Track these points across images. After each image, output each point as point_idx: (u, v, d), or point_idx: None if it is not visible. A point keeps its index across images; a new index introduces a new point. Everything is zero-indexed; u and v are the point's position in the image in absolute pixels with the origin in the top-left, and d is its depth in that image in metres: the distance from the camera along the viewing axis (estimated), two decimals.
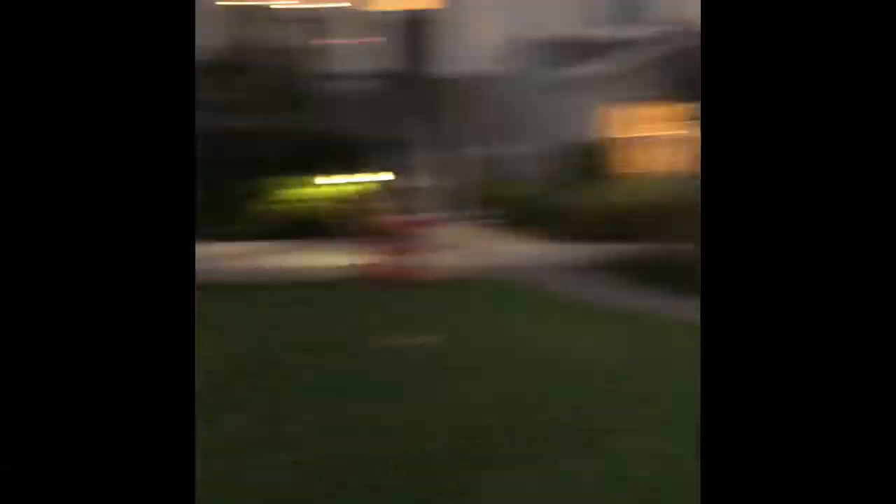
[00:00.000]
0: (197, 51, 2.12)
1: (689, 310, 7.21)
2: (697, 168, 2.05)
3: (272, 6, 12.77)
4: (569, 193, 13.91)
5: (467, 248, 9.55)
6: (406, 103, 16.06)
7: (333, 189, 12.30)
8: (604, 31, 15.40)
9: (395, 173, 13.55)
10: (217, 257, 9.99)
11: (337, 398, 4.66)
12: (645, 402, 4.65)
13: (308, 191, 12.22)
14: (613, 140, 14.10)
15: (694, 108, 10.64)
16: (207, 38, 11.94)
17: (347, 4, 14.83)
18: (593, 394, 4.87)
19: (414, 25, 16.34)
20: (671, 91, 9.68)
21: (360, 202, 6.08)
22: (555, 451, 3.91)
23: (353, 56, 14.51)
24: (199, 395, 1.96)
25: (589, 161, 13.62)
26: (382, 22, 14.89)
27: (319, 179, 12.39)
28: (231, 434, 4.02)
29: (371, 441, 3.98)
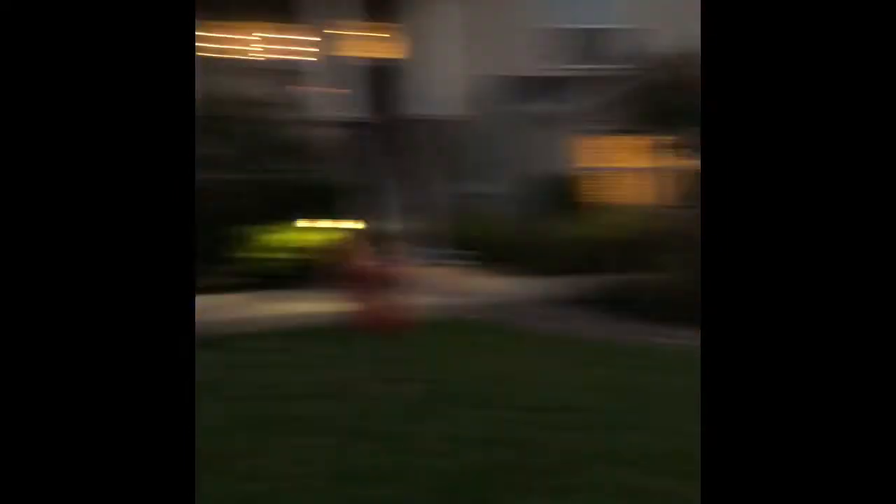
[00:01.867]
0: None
1: (667, 337, 7.43)
2: (687, 198, 2.10)
3: (241, 58, 12.94)
4: (542, 227, 14.10)
5: (446, 288, 9.64)
6: (378, 148, 16.27)
7: (310, 236, 12.37)
8: (568, 68, 15.78)
9: (371, 218, 13.67)
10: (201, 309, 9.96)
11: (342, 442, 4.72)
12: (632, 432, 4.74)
13: (286, 238, 12.27)
14: (585, 173, 14.36)
15: (661, 139, 10.91)
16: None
17: (315, 55, 15.09)
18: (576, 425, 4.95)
19: (381, 73, 16.64)
20: (638, 124, 9.95)
21: (337, 249, 6.16)
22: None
23: (324, 105, 14.71)
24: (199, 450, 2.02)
25: (561, 194, 13.85)
26: (351, 71, 15.15)
27: (297, 226, 12.45)
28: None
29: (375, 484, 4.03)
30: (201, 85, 12.54)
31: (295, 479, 4.20)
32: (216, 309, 10.24)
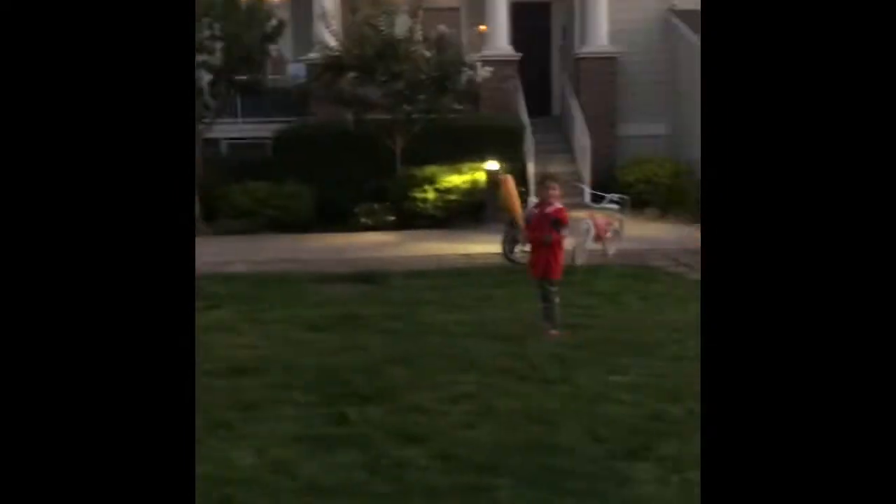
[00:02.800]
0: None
1: None
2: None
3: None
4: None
5: (607, 232, 9.35)
6: (536, 89, 15.89)
7: (476, 176, 12.33)
8: None
9: (533, 160, 13.44)
10: (375, 246, 10.35)
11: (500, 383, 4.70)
12: None
13: (452, 179, 12.31)
14: None
15: None
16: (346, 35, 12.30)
17: None
18: None
19: (541, 8, 16.13)
20: None
21: (503, 190, 6.06)
22: None
23: (478, 43, 14.49)
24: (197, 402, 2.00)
25: None
26: (516, 7, 14.73)
27: (462, 167, 12.45)
28: None
29: None
30: (352, 24, 12.69)
31: (451, 416, 4.20)
32: (381, 246, 10.58)
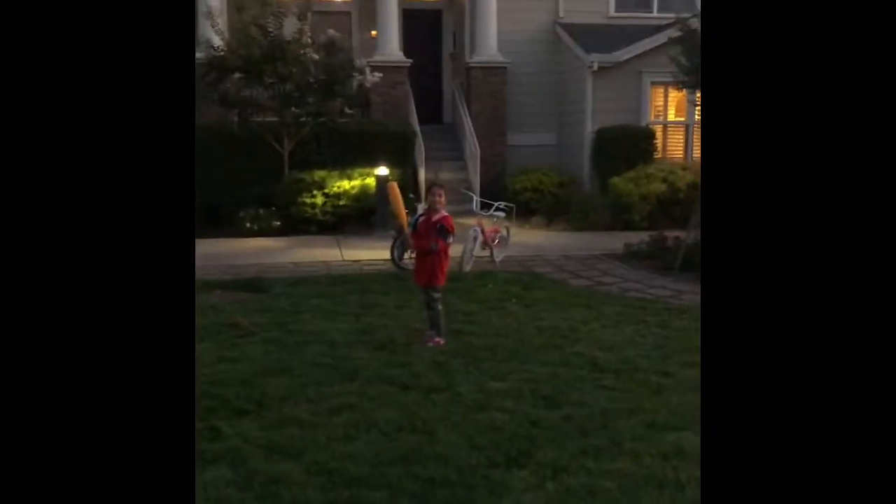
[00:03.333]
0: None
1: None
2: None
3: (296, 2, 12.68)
4: (590, 181, 13.73)
5: (490, 239, 9.47)
6: (427, 95, 15.96)
7: (364, 182, 12.20)
8: (630, 16, 15.19)
9: (421, 166, 13.46)
10: (261, 252, 10.04)
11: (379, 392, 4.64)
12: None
13: (340, 184, 12.14)
14: (641, 125, 13.83)
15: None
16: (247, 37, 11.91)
17: None
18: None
19: (431, 17, 16.23)
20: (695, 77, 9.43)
21: (390, 196, 6.00)
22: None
23: (369, 48, 14.42)
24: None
25: (615, 147, 13.39)
26: (396, 14, 14.72)
27: (350, 173, 12.30)
28: None
29: None
30: (242, 26, 12.33)
31: (329, 428, 4.10)
32: (267, 253, 10.29)
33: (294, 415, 4.30)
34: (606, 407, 4.44)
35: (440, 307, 5.88)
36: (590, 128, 13.89)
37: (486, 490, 3.41)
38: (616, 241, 10.55)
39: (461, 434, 4.03)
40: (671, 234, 9.93)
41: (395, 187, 6.17)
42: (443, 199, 5.90)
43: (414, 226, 6.08)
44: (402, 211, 6.13)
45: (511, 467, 3.65)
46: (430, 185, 6.14)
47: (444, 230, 5.78)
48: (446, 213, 5.89)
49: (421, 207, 7.05)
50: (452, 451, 3.80)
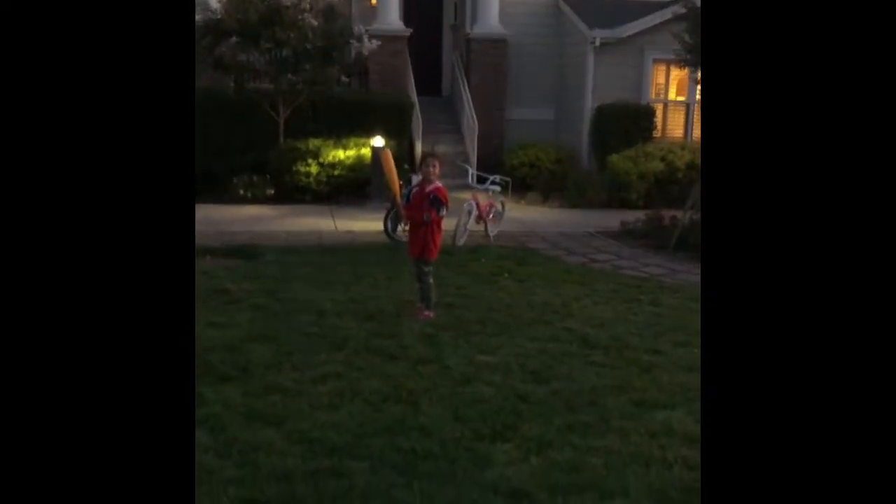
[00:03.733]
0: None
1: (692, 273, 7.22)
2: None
3: None
4: (588, 157, 13.61)
5: (486, 213, 9.38)
6: (425, 66, 15.75)
7: (359, 152, 12.06)
8: None
9: (417, 138, 13.32)
10: (253, 220, 9.93)
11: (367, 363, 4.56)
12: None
13: (335, 154, 11.99)
14: (641, 103, 13.69)
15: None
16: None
17: None
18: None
19: None
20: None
21: (385, 167, 5.88)
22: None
23: (378, 16, 14.19)
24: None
25: (614, 124, 13.26)
26: None
27: (345, 143, 12.14)
28: None
29: None
30: None
31: (313, 397, 4.04)
32: (259, 220, 10.19)
33: (278, 382, 4.24)
34: (595, 383, 4.39)
35: (431, 280, 5.80)
36: (589, 104, 13.74)
37: (470, 463, 3.36)
38: (612, 219, 10.47)
39: (447, 406, 3.97)
40: (668, 213, 9.85)
41: (388, 155, 6.06)
42: (437, 169, 5.80)
43: (407, 197, 5.98)
44: (396, 181, 6.03)
45: (496, 441, 3.60)
46: (425, 156, 6.02)
47: (437, 201, 5.69)
48: (440, 185, 5.79)
49: (415, 179, 6.94)
50: (437, 423, 3.74)
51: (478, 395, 4.15)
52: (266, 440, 3.53)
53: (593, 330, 5.50)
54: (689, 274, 7.64)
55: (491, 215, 9.46)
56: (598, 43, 13.51)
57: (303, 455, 3.40)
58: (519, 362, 4.72)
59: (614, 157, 12.49)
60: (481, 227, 9.33)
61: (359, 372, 4.45)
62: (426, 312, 5.72)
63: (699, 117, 13.73)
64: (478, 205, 9.16)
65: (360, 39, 12.22)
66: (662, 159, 12.42)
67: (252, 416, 3.78)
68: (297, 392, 4.12)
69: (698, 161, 11.39)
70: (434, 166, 5.77)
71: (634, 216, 10.11)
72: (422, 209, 5.73)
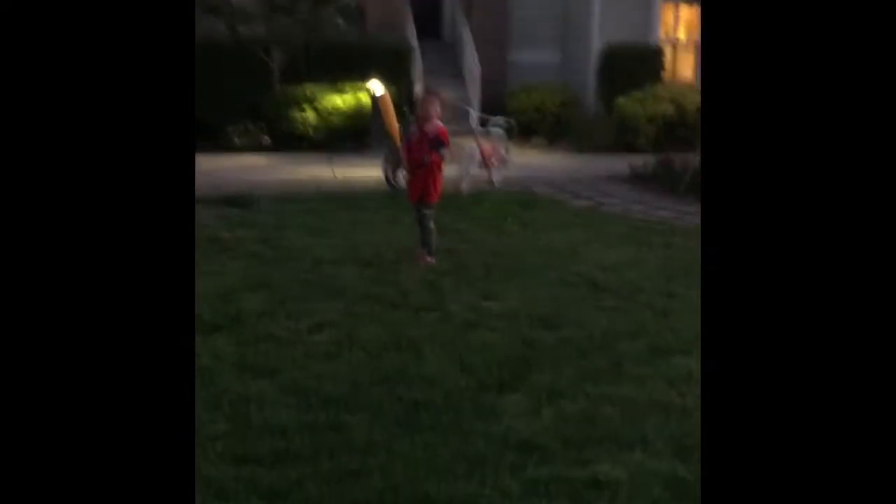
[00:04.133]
0: None
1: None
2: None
3: None
4: (594, 101, 13.20)
5: (489, 158, 9.04)
6: (426, 8, 15.22)
7: (359, 98, 11.65)
8: None
9: (420, 81, 12.90)
10: (248, 169, 9.62)
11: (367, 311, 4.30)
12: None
13: (337, 99, 11.59)
14: (649, 44, 13.21)
15: None
16: None
17: None
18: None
19: None
20: None
21: (386, 112, 5.55)
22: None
23: None
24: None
25: (621, 66, 12.81)
26: None
27: (346, 87, 11.73)
28: None
29: None
30: None
31: (308, 346, 3.81)
32: (255, 169, 9.88)
33: (271, 331, 4.00)
34: (607, 328, 4.14)
35: (432, 225, 5.53)
36: (595, 45, 13.26)
37: (475, 415, 3.13)
38: (620, 163, 10.12)
39: (450, 354, 3.74)
40: (678, 156, 9.50)
41: (387, 99, 5.73)
42: (436, 107, 5.47)
43: (408, 139, 5.67)
44: (395, 123, 5.71)
45: (503, 391, 3.37)
46: (426, 94, 5.67)
47: (437, 142, 5.38)
48: (441, 125, 5.47)
49: (414, 126, 6.61)
50: (440, 373, 3.51)
51: (483, 343, 3.91)
52: (258, 392, 3.30)
53: (603, 274, 5.24)
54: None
55: (494, 160, 9.14)
56: None
57: (297, 407, 3.18)
58: (526, 308, 4.48)
59: (622, 100, 12.08)
60: (484, 173, 9.01)
61: (357, 320, 4.21)
62: (427, 258, 5.47)
63: None
64: (481, 149, 8.82)
65: None
66: (672, 101, 12.01)
67: (243, 367, 3.55)
68: (292, 341, 3.88)
69: None
70: (432, 104, 5.45)
71: (643, 160, 9.77)
72: (422, 151, 5.43)
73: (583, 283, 5.01)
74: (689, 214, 7.56)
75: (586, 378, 3.50)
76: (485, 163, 8.93)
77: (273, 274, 5.09)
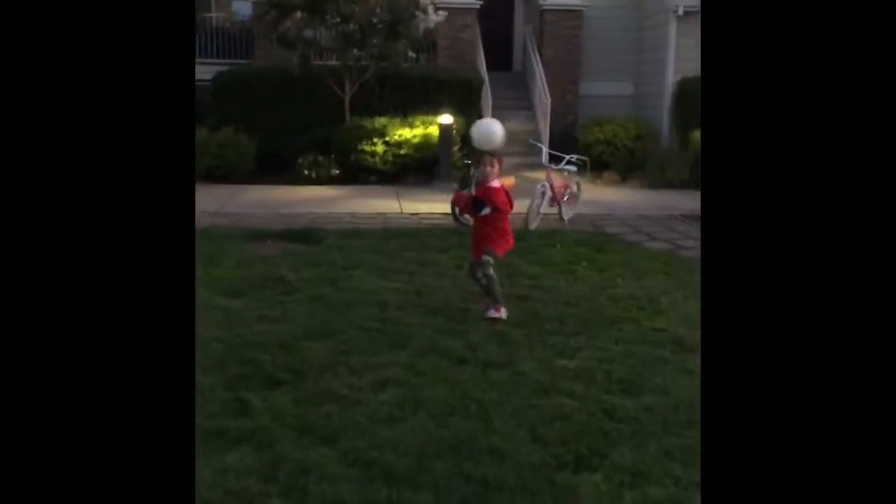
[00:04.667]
0: None
1: None
2: None
3: None
4: (669, 136, 12.77)
5: (561, 196, 8.78)
6: (495, 40, 15.09)
7: (428, 131, 11.56)
8: None
9: (497, 116, 12.74)
10: (317, 201, 9.61)
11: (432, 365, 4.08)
12: None
13: (404, 133, 11.53)
14: None
15: None
16: None
17: None
18: None
19: None
20: None
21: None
22: None
23: None
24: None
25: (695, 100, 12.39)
26: None
27: (414, 121, 11.66)
28: None
29: None
30: None
31: (371, 407, 3.59)
32: (323, 202, 9.85)
33: (333, 388, 3.80)
34: (694, 397, 3.80)
35: (491, 271, 5.11)
36: (671, 77, 12.89)
37: (551, 498, 2.85)
38: (697, 200, 9.69)
39: (522, 423, 3.46)
40: None
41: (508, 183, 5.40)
42: (496, 168, 5.13)
43: (468, 185, 5.43)
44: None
45: (581, 469, 3.07)
46: (484, 158, 5.30)
47: (478, 203, 5.09)
48: (496, 184, 5.12)
49: (474, 171, 6.37)
50: (511, 445, 3.24)
51: (558, 410, 3.62)
52: (317, 461, 3.09)
53: (687, 330, 4.87)
54: None
55: (566, 197, 8.85)
56: (680, 12, 12.62)
57: (358, 480, 2.96)
58: (603, 368, 4.17)
59: (698, 134, 11.64)
60: (555, 210, 8.73)
61: (421, 377, 3.98)
62: (495, 312, 5.11)
63: None
64: (551, 186, 8.56)
65: (426, 11, 11.68)
66: None
67: (304, 431, 3.35)
68: (354, 401, 3.67)
69: None
70: (490, 165, 5.12)
71: None
72: (470, 210, 5.24)
73: (665, 341, 4.66)
74: None
75: (672, 457, 3.18)
76: (555, 200, 8.66)
77: (337, 321, 4.92)
